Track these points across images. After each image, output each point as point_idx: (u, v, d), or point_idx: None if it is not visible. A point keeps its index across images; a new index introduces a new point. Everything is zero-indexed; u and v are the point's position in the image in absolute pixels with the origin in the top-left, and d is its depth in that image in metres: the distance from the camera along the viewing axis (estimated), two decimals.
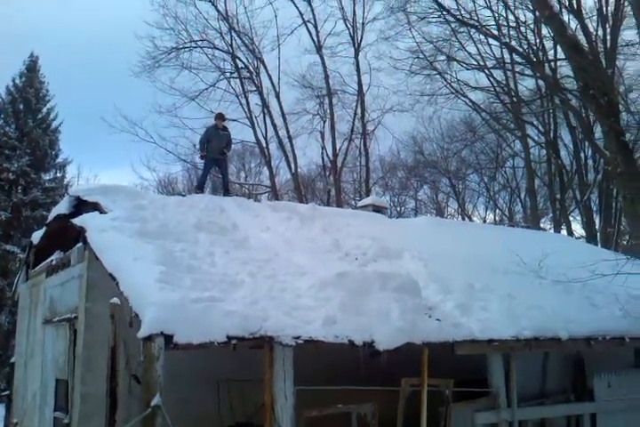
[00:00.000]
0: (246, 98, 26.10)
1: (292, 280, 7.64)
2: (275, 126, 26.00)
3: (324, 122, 27.03)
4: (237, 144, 27.44)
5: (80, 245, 8.56)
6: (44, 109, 29.11)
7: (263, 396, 6.30)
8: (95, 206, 8.80)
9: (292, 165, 26.15)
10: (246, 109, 26.08)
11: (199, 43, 25.47)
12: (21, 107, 28.42)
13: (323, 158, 27.92)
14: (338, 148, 26.59)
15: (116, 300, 6.14)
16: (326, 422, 6.77)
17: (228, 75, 26.07)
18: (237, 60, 25.86)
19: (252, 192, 27.20)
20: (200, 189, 12.61)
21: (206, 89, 25.44)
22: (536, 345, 8.13)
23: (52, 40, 39.81)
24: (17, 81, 28.77)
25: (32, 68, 29.06)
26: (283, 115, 26.05)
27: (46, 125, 28.96)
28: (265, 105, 25.95)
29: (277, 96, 25.87)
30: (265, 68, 25.96)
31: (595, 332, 8.65)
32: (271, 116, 26.02)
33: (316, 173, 30.09)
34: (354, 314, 6.91)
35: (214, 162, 12.38)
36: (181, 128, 25.73)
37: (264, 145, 26.34)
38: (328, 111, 26.47)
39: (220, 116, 12.50)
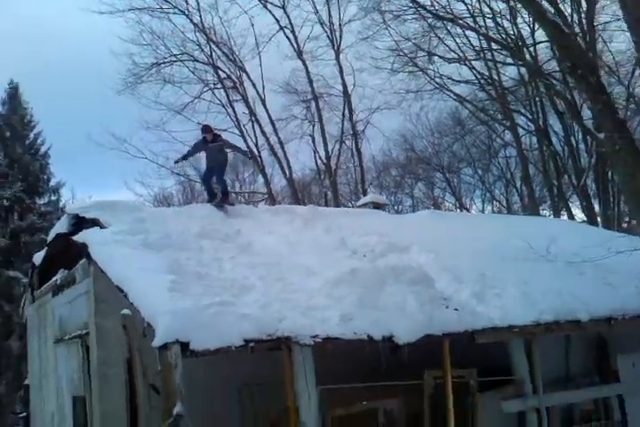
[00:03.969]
0: (233, 108, 26.04)
1: (303, 281, 7.50)
2: (264, 134, 25.94)
3: (314, 126, 26.95)
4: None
5: (84, 261, 8.41)
6: (31, 135, 29.02)
7: (286, 399, 6.15)
8: (95, 222, 8.64)
9: (287, 171, 26.07)
10: (234, 119, 26.01)
11: (179, 56, 25.38)
12: (8, 134, 28.33)
13: (316, 162, 27.83)
14: (330, 150, 26.54)
15: (126, 311, 5.99)
16: (352, 420, 6.62)
17: (211, 86, 25.98)
18: (219, 71, 25.78)
19: (248, 200, 27.05)
20: (211, 201, 11.47)
21: (191, 101, 25.37)
22: (557, 329, 8.01)
23: (27, 65, 39.49)
24: (0, 109, 28.68)
25: (14, 95, 28.94)
26: (271, 122, 25.98)
27: (35, 151, 28.85)
28: (252, 113, 25.88)
29: (264, 104, 25.82)
30: (248, 76, 25.89)
31: (614, 311, 8.51)
32: (260, 124, 25.94)
33: (311, 177, 30.01)
34: (370, 309, 6.79)
35: (210, 171, 11.74)
36: (171, 142, 25.59)
37: (256, 153, 26.23)
38: (316, 115, 26.41)
39: (205, 129, 11.56)
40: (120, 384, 6.22)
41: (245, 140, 25.72)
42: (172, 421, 5.13)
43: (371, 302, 6.91)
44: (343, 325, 6.43)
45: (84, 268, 8.41)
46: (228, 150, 11.85)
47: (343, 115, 26.70)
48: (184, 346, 5.35)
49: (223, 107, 25.98)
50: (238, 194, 30.39)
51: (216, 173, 11.44)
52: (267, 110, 25.88)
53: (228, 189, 12.16)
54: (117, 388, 6.48)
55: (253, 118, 25.96)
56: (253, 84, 25.78)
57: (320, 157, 27.11)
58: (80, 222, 9.07)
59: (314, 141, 27.22)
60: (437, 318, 7.03)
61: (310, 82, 26.13)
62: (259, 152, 26.31)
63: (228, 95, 25.97)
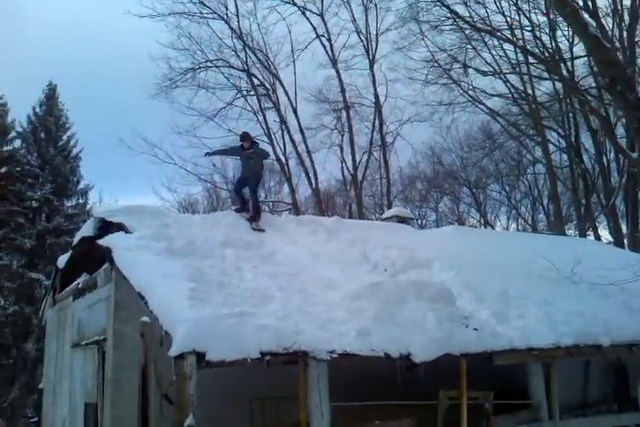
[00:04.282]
0: (264, 115, 26.14)
1: (323, 293, 7.50)
2: (293, 142, 25.98)
3: (343, 136, 26.96)
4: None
5: (107, 265, 8.50)
6: (65, 137, 29.38)
7: (298, 413, 6.12)
8: (120, 227, 8.74)
9: (313, 181, 26.08)
10: (264, 127, 26.09)
11: (215, 62, 25.60)
12: (42, 135, 28.74)
13: (343, 172, 27.77)
14: (357, 161, 26.47)
15: (146, 319, 6.04)
16: None
17: (244, 92, 26.13)
18: (253, 78, 25.93)
19: (273, 210, 27.10)
20: (242, 211, 11.03)
21: (224, 108, 25.49)
22: (577, 353, 7.90)
23: (66, 67, 40.38)
24: (37, 109, 29.11)
25: (51, 96, 29.41)
26: (301, 130, 26.01)
27: (67, 153, 29.20)
28: (283, 121, 25.96)
29: (295, 111, 25.89)
30: (281, 84, 26.02)
31: (636, 337, 8.37)
32: (289, 132, 26.01)
33: (336, 188, 29.97)
34: (388, 325, 6.75)
35: (244, 181, 11.30)
36: (200, 148, 25.64)
37: (284, 162, 26.32)
38: (346, 125, 26.40)
39: (244, 136, 11.35)
40: (133, 392, 6.24)
41: (274, 148, 25.80)
42: None
43: (389, 318, 6.86)
44: (360, 340, 6.39)
45: (107, 273, 8.50)
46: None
47: (373, 126, 26.68)
48: (200, 356, 5.35)
49: (254, 114, 26.12)
50: (263, 203, 30.52)
51: (250, 183, 11.01)
52: (297, 118, 25.96)
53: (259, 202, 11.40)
54: (130, 395, 6.50)
55: (283, 126, 26.03)
56: (286, 92, 25.91)
57: (347, 168, 27.09)
58: (106, 226, 9.18)
59: (342, 152, 27.22)
60: (456, 336, 6.96)
61: (343, 91, 26.18)
62: (286, 161, 26.39)
63: (260, 102, 26.09)
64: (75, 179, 29.30)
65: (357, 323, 6.66)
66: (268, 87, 26.04)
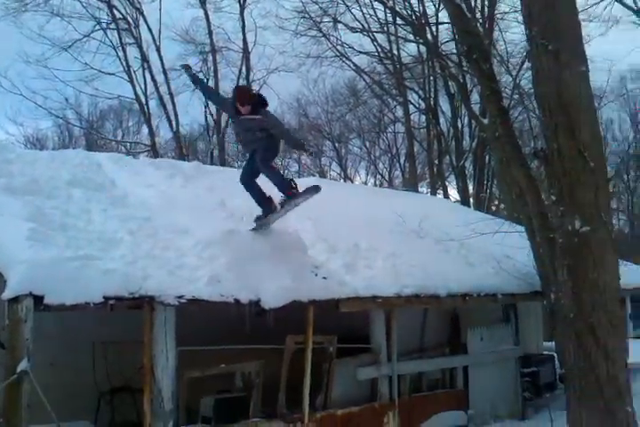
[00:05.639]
0: (124, 51, 24.73)
1: (176, 239, 7.31)
2: (155, 82, 24.93)
3: (208, 79, 26.04)
4: (114, 100, 26.07)
5: None
6: None
7: (143, 359, 6.03)
8: None
9: (174, 124, 25.26)
10: (124, 63, 24.75)
11: None
12: None
13: (206, 117, 27.11)
14: None
15: None
16: (208, 383, 6.63)
17: (104, 25, 24.54)
18: (114, 10, 24.35)
19: (130, 151, 25.98)
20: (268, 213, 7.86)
21: (80, 39, 23.83)
22: (417, 302, 8.41)
23: None
24: None
25: None
26: (164, 70, 24.92)
27: None
28: (145, 59, 24.73)
29: (158, 50, 24.73)
30: (145, 20, 24.66)
31: (471, 289, 9.05)
32: (151, 72, 24.90)
33: (199, 133, 29.30)
34: (240, 273, 6.75)
35: (251, 164, 7.79)
36: (52, 80, 24.01)
37: (143, 102, 25.15)
38: (212, 69, 25.68)
39: (239, 95, 7.33)
40: None
41: (134, 87, 24.60)
42: (15, 378, 4.88)
43: (242, 265, 6.87)
44: (211, 286, 6.36)
45: None
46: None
47: (240, 72, 26.16)
48: (37, 300, 5.07)
49: (114, 49, 24.65)
50: (119, 143, 29.19)
51: (260, 157, 7.36)
52: (160, 58, 24.87)
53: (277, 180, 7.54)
54: None
55: (145, 65, 24.81)
56: (149, 29, 24.63)
57: (211, 113, 26.44)
58: None
59: None
60: (305, 284, 7.15)
61: (210, 34, 25.32)
62: (147, 101, 25.25)
63: (120, 37, 24.64)
64: None
65: (209, 269, 6.60)
66: (131, 22, 24.63)
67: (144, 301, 5.83)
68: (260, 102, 7.33)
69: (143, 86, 25.06)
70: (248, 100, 7.19)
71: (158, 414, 5.90)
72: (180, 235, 7.51)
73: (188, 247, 7.08)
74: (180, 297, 5.98)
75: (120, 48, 24.61)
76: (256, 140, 7.32)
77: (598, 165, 8.25)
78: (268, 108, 7.46)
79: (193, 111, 35.69)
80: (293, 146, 8.21)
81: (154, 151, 25.27)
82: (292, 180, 7.69)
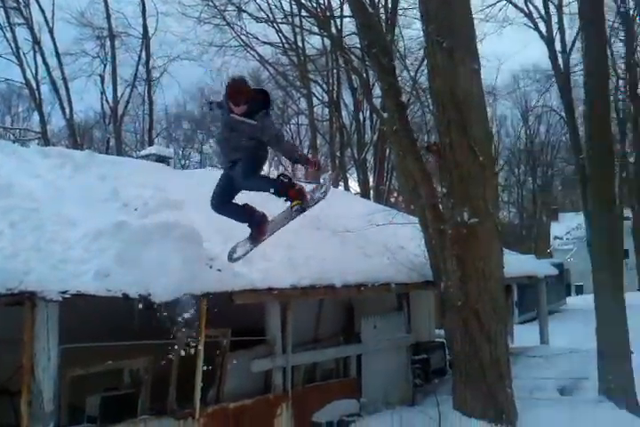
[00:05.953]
0: (12, 31, 23.41)
1: (62, 231, 6.99)
2: (47, 66, 23.87)
3: (105, 65, 25.41)
4: (1, 83, 24.62)
5: None
6: None
7: (22, 358, 5.73)
8: None
9: (67, 110, 24.17)
10: (13, 45, 23.44)
11: None
12: None
13: (102, 105, 26.22)
14: (119, 94, 25.11)
15: None
16: (93, 380, 6.40)
17: None
18: None
19: (18, 138, 24.59)
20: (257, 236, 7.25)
21: None
22: (313, 293, 8.48)
23: None
24: None
25: None
26: (57, 54, 23.88)
27: None
28: (36, 41, 23.53)
29: (51, 32, 23.73)
30: None
31: (366, 279, 9.22)
32: (43, 55, 23.73)
33: (95, 121, 28.20)
34: (130, 266, 6.53)
35: (227, 176, 6.66)
36: None
37: (34, 86, 23.89)
38: (110, 54, 24.77)
39: (232, 91, 6.23)
40: None
41: (24, 71, 23.32)
42: None
43: (132, 258, 6.65)
44: (98, 281, 6.13)
45: None
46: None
47: (139, 58, 25.48)
48: None
49: (1, 29, 23.27)
50: (7, 130, 27.60)
51: (243, 167, 6.21)
52: (53, 40, 23.82)
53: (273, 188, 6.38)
54: None
55: (36, 47, 23.56)
56: (41, 9, 23.49)
57: (107, 100, 25.62)
58: None
59: (103, 82, 25.67)
60: (199, 277, 7.01)
61: (108, 17, 24.52)
62: (37, 86, 24.01)
63: (8, 16, 23.29)
64: None
65: (97, 263, 6.35)
66: (20, 1, 23.20)
67: (24, 297, 5.53)
68: (259, 101, 6.14)
69: (34, 70, 23.87)
70: (244, 100, 6.03)
71: (38, 416, 5.62)
72: (67, 226, 7.20)
73: (75, 240, 6.79)
74: (64, 292, 5.72)
75: (8, 28, 23.28)
76: (240, 148, 6.20)
77: (487, 160, 8.68)
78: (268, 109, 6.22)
79: (88, 98, 34.44)
80: (295, 161, 6.88)
81: (45, 139, 24.10)
82: (283, 175, 6.42)
